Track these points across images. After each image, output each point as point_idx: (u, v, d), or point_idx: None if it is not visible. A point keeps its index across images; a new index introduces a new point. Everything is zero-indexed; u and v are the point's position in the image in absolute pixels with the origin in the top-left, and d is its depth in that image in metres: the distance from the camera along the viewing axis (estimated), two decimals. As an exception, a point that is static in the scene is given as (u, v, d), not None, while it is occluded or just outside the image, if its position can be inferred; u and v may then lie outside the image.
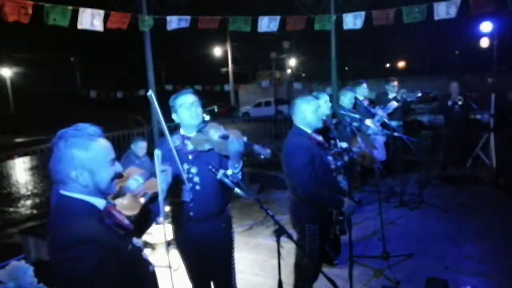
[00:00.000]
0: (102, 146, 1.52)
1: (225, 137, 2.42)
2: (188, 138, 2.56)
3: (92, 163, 1.48)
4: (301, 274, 3.15)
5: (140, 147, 5.20)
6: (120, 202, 1.69)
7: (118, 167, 1.58)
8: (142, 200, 1.90)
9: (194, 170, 2.52)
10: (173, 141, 2.60)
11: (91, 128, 1.52)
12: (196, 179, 2.54)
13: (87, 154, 1.47)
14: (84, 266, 1.36)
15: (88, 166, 1.47)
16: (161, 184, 1.77)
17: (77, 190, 1.49)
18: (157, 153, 1.76)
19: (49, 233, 1.49)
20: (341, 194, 3.07)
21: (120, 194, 1.74)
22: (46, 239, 1.52)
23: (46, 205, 7.04)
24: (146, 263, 1.68)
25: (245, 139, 2.40)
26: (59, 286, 1.45)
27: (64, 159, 1.46)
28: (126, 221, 1.56)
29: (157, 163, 1.74)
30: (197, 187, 2.56)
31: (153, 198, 1.93)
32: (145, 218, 1.91)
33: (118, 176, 1.61)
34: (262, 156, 2.39)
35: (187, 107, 2.53)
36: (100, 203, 1.54)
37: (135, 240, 1.64)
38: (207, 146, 2.50)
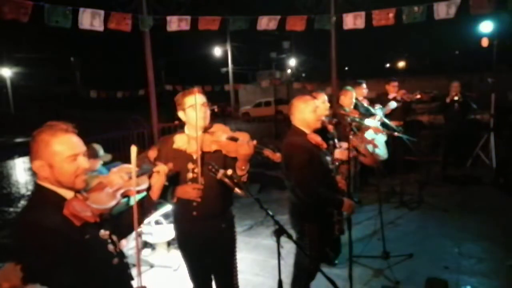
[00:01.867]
0: (63, 142, 1.63)
1: (234, 139, 2.41)
2: (194, 138, 2.54)
3: (51, 158, 1.61)
4: (299, 274, 3.15)
5: None
6: (95, 195, 1.75)
7: (82, 162, 1.67)
8: (134, 198, 1.93)
9: (198, 170, 2.51)
10: (177, 141, 2.60)
11: (60, 125, 1.65)
12: (200, 179, 2.53)
13: (46, 149, 1.61)
14: (33, 250, 1.49)
15: (48, 160, 1.61)
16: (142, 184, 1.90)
17: (45, 180, 1.64)
18: (133, 149, 1.83)
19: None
20: (339, 195, 3.07)
21: (98, 188, 1.78)
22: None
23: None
24: (109, 256, 1.75)
25: (255, 142, 2.39)
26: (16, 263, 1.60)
27: (32, 153, 1.62)
28: (86, 213, 1.62)
29: (133, 158, 1.81)
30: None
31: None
32: (126, 214, 1.98)
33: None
34: (271, 160, 2.38)
35: (197, 108, 2.48)
36: (67, 194, 1.66)
37: (102, 231, 1.73)
38: (214, 147, 2.49)
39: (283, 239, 2.18)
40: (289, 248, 2.97)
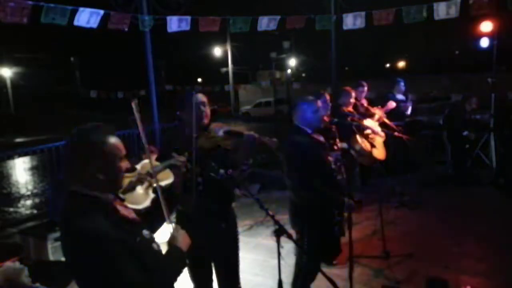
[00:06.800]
0: (118, 142, 1.61)
1: (228, 132, 2.45)
2: (196, 137, 2.54)
3: (113, 158, 1.57)
4: (299, 274, 3.15)
5: None
6: (130, 196, 1.71)
7: (126, 162, 1.65)
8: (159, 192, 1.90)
9: (197, 169, 2.50)
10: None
11: (106, 125, 1.61)
12: (199, 179, 2.53)
13: (110, 150, 1.56)
14: (98, 260, 1.42)
15: (108, 160, 1.56)
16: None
17: (90, 186, 1.55)
18: (135, 101, 1.80)
19: (61, 230, 1.57)
20: (340, 194, 3.07)
21: (129, 188, 1.75)
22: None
23: (46, 205, 7.04)
24: (158, 254, 1.71)
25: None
26: (78, 280, 1.51)
27: (84, 156, 1.52)
28: (132, 215, 1.60)
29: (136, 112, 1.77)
30: (200, 187, 2.55)
31: (166, 190, 1.97)
32: (157, 210, 1.94)
33: (130, 169, 1.69)
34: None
35: (197, 107, 2.49)
36: (108, 198, 1.60)
37: (145, 232, 1.67)
38: (212, 144, 2.50)
39: (283, 239, 2.18)
40: (289, 248, 2.97)
